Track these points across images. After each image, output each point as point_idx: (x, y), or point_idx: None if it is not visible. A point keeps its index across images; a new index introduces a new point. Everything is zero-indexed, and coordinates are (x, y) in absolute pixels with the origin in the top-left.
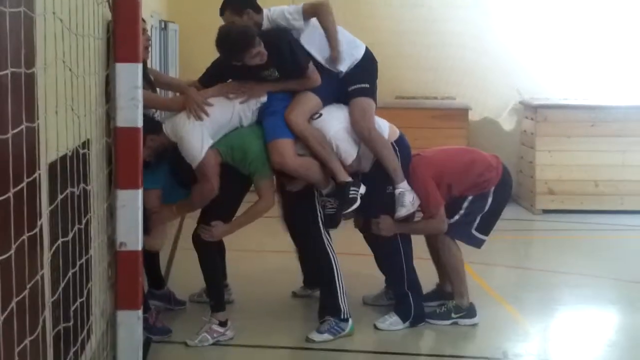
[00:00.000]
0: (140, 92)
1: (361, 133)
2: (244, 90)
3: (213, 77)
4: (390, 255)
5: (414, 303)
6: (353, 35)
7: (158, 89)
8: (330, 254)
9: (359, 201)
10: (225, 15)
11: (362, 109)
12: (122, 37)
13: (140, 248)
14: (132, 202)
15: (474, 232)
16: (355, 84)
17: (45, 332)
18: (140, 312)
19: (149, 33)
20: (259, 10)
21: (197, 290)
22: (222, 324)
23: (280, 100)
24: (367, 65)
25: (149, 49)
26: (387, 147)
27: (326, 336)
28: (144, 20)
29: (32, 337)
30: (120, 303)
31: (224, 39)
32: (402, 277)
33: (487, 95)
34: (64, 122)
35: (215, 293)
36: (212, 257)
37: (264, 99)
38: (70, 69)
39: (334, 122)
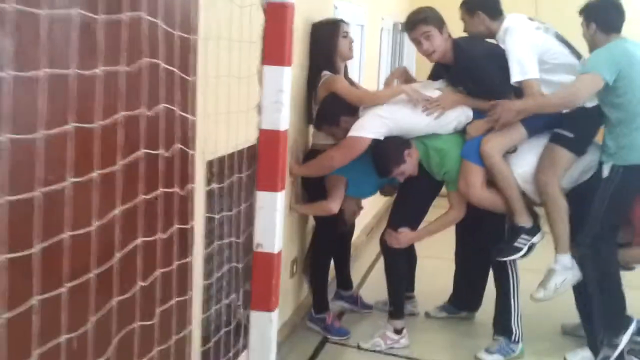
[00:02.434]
0: (284, 96)
1: (538, 183)
2: (437, 102)
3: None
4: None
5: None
6: None
7: None
8: (510, 271)
9: (523, 252)
10: (461, 12)
11: (551, 160)
12: (270, 40)
13: (276, 251)
14: (270, 204)
15: None
16: (562, 127)
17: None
18: (273, 314)
19: (351, 36)
20: (494, 16)
21: (385, 298)
22: (398, 331)
23: None
24: (587, 117)
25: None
26: (560, 211)
27: (497, 357)
28: (344, 22)
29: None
30: (254, 303)
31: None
32: (592, 310)
33: None
34: (221, 124)
35: (396, 299)
36: (397, 263)
37: (468, 114)
38: (228, 75)
39: (526, 160)
